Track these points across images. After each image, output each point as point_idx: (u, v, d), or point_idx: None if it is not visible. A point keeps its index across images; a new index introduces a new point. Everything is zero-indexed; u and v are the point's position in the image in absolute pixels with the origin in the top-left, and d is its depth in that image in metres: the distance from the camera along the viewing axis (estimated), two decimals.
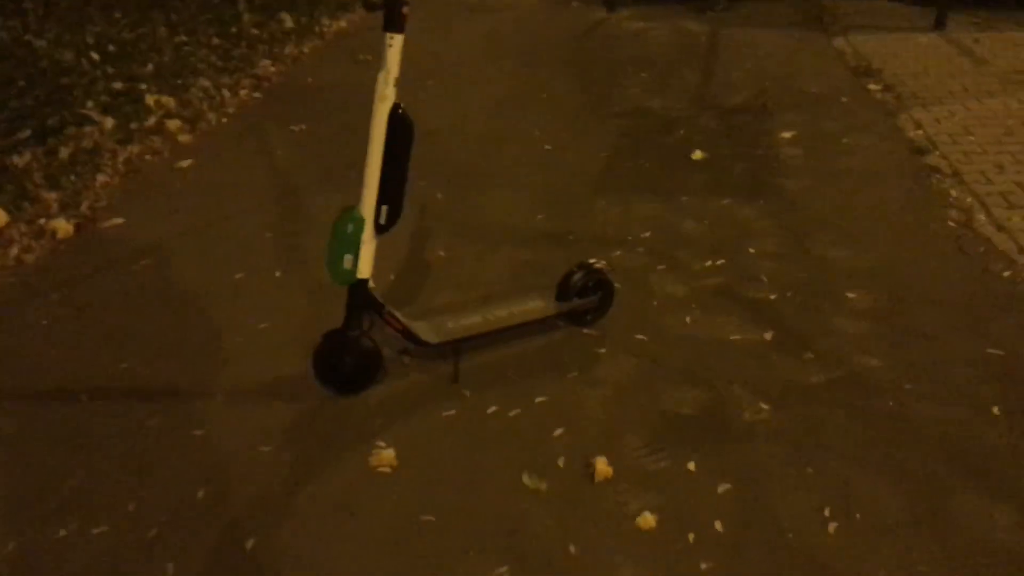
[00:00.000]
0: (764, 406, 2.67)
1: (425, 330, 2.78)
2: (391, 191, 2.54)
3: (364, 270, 2.61)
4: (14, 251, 3.78)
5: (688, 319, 3.12)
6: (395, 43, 2.41)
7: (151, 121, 5.23)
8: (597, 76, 6.03)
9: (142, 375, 2.90)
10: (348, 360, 2.71)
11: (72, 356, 3.01)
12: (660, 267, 3.48)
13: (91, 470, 2.49)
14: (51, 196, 4.20)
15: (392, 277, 3.48)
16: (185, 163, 4.72)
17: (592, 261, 3.03)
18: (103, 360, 2.98)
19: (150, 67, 6.10)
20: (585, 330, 3.06)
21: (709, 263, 3.50)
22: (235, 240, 3.82)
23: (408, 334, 2.73)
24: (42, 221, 4.00)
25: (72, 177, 4.42)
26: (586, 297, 3.02)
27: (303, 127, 5.19)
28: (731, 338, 3.00)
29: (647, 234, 3.76)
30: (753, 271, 3.43)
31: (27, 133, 4.78)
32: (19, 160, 4.47)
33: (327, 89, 5.87)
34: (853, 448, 2.49)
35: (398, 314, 2.74)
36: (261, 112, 5.57)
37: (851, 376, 2.79)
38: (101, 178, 4.48)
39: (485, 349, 2.96)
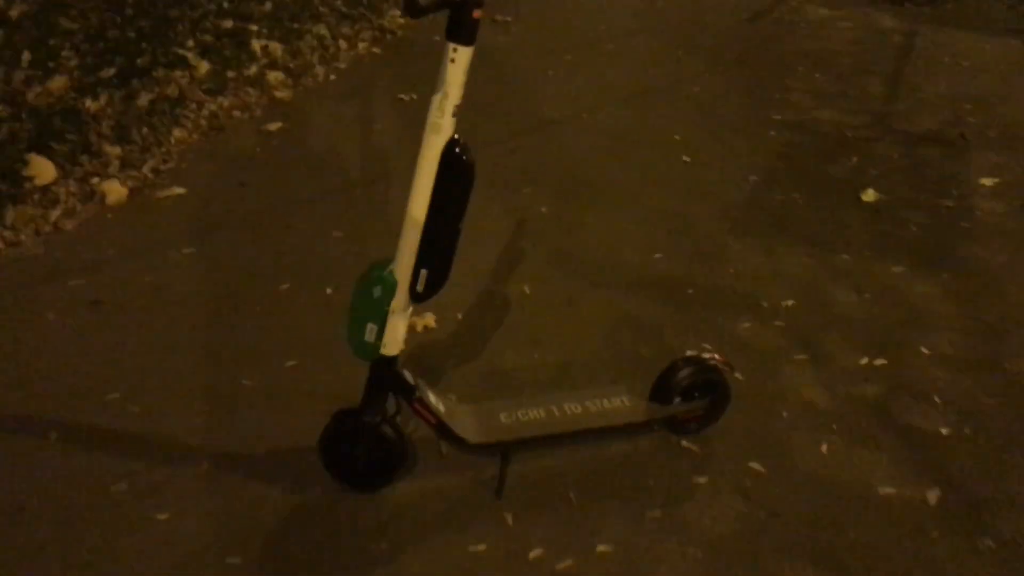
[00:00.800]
0: None
1: (467, 424, 2.12)
2: (435, 252, 1.87)
3: (391, 345, 1.97)
4: (55, 214, 3.33)
5: (825, 447, 2.34)
6: (459, 58, 1.72)
7: (252, 70, 4.72)
8: (762, 71, 5.13)
9: (129, 414, 2.36)
10: (361, 451, 2.08)
11: (62, 371, 2.50)
12: (799, 356, 2.69)
13: (22, 549, 1.97)
14: (114, 151, 3.73)
15: (460, 316, 2.83)
16: (274, 126, 4.18)
17: (707, 355, 2.28)
18: (93, 384, 2.46)
19: (268, 5, 5.59)
20: (684, 442, 2.33)
21: (865, 361, 2.68)
22: (296, 236, 3.25)
23: (444, 429, 2.08)
24: (95, 181, 3.53)
25: (145, 129, 3.94)
26: (691, 402, 2.29)
27: (413, 97, 4.56)
28: (880, 491, 2.21)
29: (790, 302, 2.96)
30: (922, 384, 2.60)
31: (111, 71, 4.33)
32: (92, 104, 4.02)
33: None
34: None
35: (433, 398, 2.09)
36: (374, 71, 4.98)
37: None
38: (177, 133, 4.00)
39: (546, 449, 2.28)
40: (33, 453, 2.22)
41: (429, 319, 2.78)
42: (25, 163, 3.48)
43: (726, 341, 2.75)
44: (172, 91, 4.29)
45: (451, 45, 1.72)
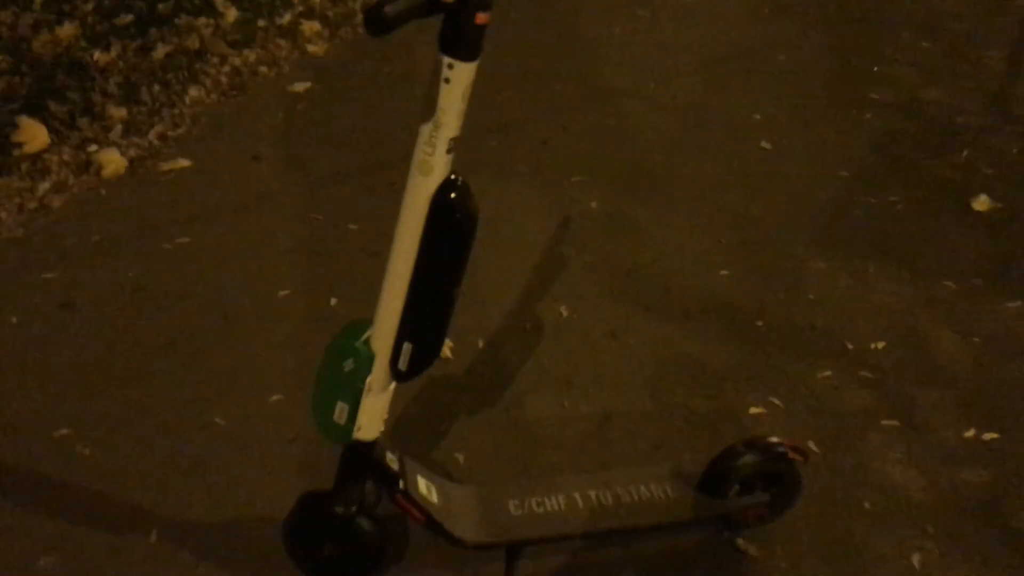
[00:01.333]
0: None
1: (466, 517, 1.70)
2: (422, 323, 1.43)
3: (367, 428, 1.54)
4: (43, 187, 2.96)
5: (916, 559, 1.87)
6: (457, 78, 1.26)
7: (285, 19, 4.27)
8: (860, 38, 4.49)
9: (77, 458, 2.00)
10: (330, 547, 1.68)
11: (10, 394, 2.15)
12: (889, 421, 2.20)
13: None
14: (118, 113, 3.35)
15: (480, 343, 2.39)
16: (302, 86, 3.74)
17: (774, 440, 1.82)
18: (44, 414, 2.10)
19: None
20: (739, 540, 1.88)
21: (971, 432, 2.18)
22: (306, 228, 2.83)
23: (435, 527, 1.66)
24: (92, 149, 3.15)
25: (156, 87, 3.54)
26: (751, 496, 1.83)
27: None
28: None
29: (880, 344, 2.45)
30: None
31: (129, 18, 3.92)
32: (101, 56, 3.63)
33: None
34: None
35: (424, 486, 1.67)
36: (424, 24, 4.45)
37: None
38: (193, 92, 3.59)
39: (564, 541, 1.85)
40: None
41: (445, 348, 2.34)
42: (15, 127, 3.11)
43: (800, 395, 2.27)
44: (192, 43, 3.87)
45: (445, 59, 1.26)
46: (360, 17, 4.45)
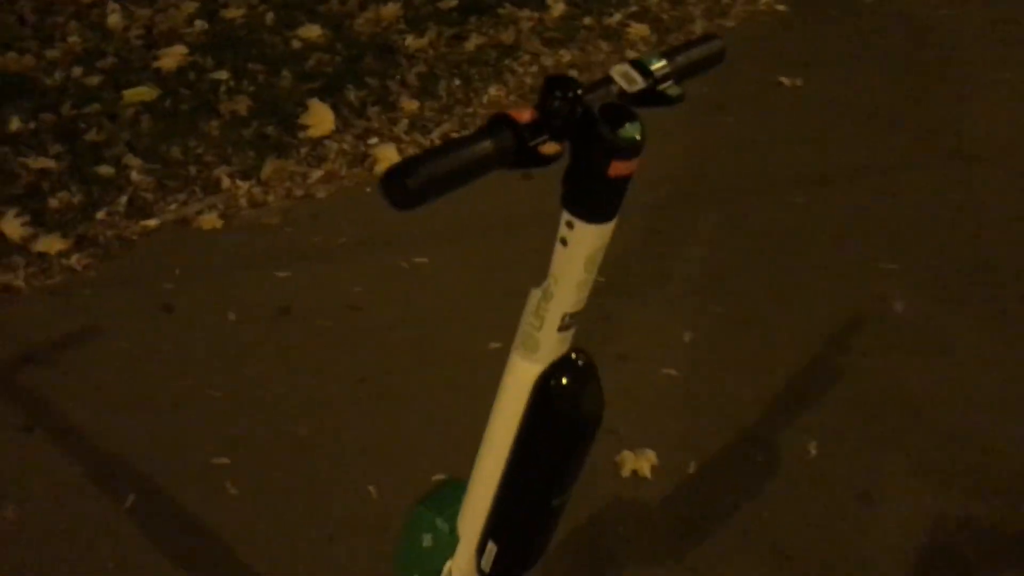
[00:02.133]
0: None
1: None
2: (511, 526, 1.08)
3: None
4: (315, 176, 2.95)
5: None
6: (577, 239, 0.88)
7: (614, 18, 3.97)
8: None
9: (222, 496, 1.89)
10: None
11: (187, 404, 2.10)
12: None
13: None
14: (410, 106, 3.26)
15: (692, 467, 1.97)
16: None
17: None
18: (211, 434, 2.02)
19: None
20: None
21: None
22: (544, 267, 2.53)
23: None
24: (373, 141, 3.09)
25: (456, 82, 3.41)
26: None
27: (797, 83, 3.51)
28: None
29: None
30: None
31: (453, 2, 3.83)
32: (413, 41, 3.57)
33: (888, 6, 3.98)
34: None
35: None
36: (763, 36, 3.96)
37: None
38: (492, 91, 3.42)
39: None
40: (94, 518, 1.83)
41: (644, 461, 1.96)
42: (305, 108, 3.12)
43: None
44: (507, 36, 3.70)
45: (565, 215, 0.87)
46: (699, 24, 4.04)
